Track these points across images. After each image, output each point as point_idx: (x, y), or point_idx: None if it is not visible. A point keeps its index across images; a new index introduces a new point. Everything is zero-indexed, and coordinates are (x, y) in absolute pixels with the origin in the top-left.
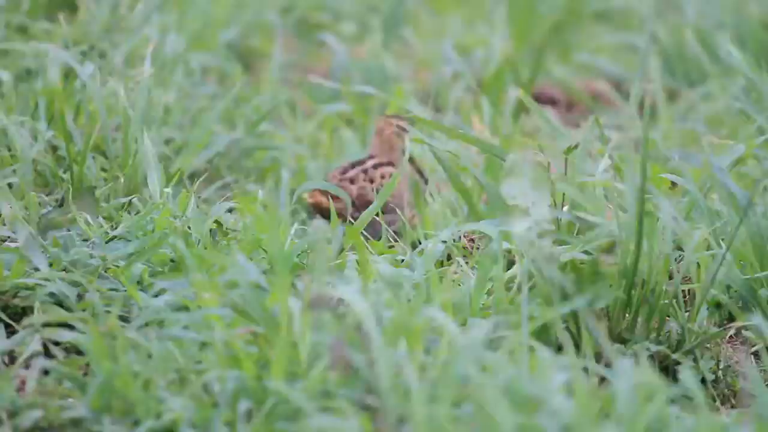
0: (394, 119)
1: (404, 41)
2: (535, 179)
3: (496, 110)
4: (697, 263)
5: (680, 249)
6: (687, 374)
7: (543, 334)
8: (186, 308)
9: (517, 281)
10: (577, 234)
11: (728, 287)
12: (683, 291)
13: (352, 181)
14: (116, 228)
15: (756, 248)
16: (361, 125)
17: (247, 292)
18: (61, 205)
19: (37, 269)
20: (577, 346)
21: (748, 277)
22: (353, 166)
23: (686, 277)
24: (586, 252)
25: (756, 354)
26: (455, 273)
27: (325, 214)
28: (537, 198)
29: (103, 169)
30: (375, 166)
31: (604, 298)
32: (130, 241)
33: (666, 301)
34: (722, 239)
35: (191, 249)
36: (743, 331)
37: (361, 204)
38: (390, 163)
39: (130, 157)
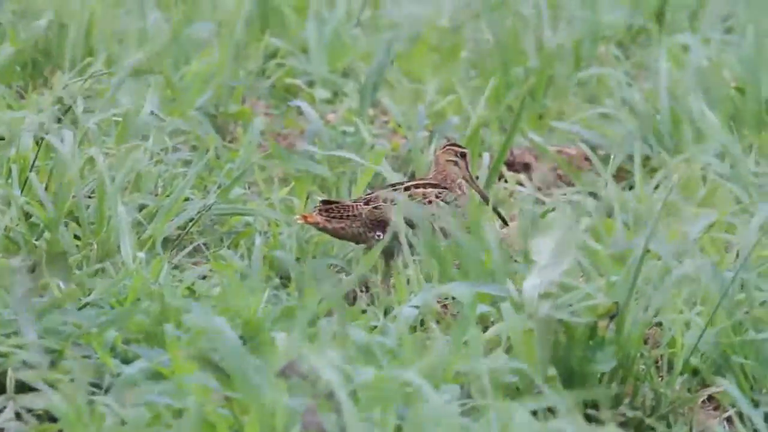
0: (452, 146)
1: (380, 106)
2: (563, 242)
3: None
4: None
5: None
6: None
7: (520, 397)
8: (160, 375)
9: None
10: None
11: (701, 353)
12: (657, 357)
13: (367, 202)
14: (89, 294)
15: (728, 315)
16: (334, 189)
17: (225, 357)
18: (33, 271)
19: (8, 335)
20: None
21: (719, 337)
22: (391, 186)
23: (658, 343)
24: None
25: (729, 419)
26: (428, 338)
27: (328, 232)
28: (557, 260)
29: (76, 236)
30: (416, 186)
31: (606, 363)
32: (102, 307)
33: (642, 367)
34: (694, 303)
35: (165, 316)
36: (717, 397)
37: (372, 221)
38: (434, 185)
39: (104, 224)
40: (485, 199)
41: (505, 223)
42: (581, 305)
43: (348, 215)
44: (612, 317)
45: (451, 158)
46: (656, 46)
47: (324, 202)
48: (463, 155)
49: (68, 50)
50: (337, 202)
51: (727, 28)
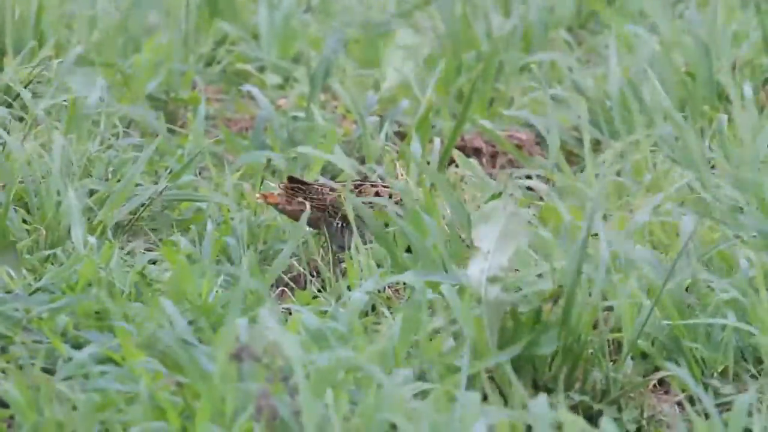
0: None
1: (330, 92)
2: (507, 228)
3: (421, 160)
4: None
5: (604, 298)
6: (609, 424)
7: (473, 382)
8: (111, 360)
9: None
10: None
11: (653, 338)
12: (607, 341)
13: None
14: (40, 280)
15: (675, 301)
16: (285, 175)
17: (173, 343)
18: None
19: None
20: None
21: (668, 322)
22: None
23: (607, 328)
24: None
25: (680, 404)
26: (379, 323)
27: (286, 214)
28: (502, 246)
29: (25, 222)
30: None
31: (548, 346)
32: (53, 293)
33: (591, 351)
34: (647, 290)
35: (116, 301)
36: (667, 381)
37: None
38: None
39: (52, 210)
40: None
41: None
42: (530, 290)
43: (312, 198)
44: (555, 301)
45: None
46: (607, 32)
47: (291, 180)
48: None
49: (14, 36)
50: (304, 183)
51: (679, 13)
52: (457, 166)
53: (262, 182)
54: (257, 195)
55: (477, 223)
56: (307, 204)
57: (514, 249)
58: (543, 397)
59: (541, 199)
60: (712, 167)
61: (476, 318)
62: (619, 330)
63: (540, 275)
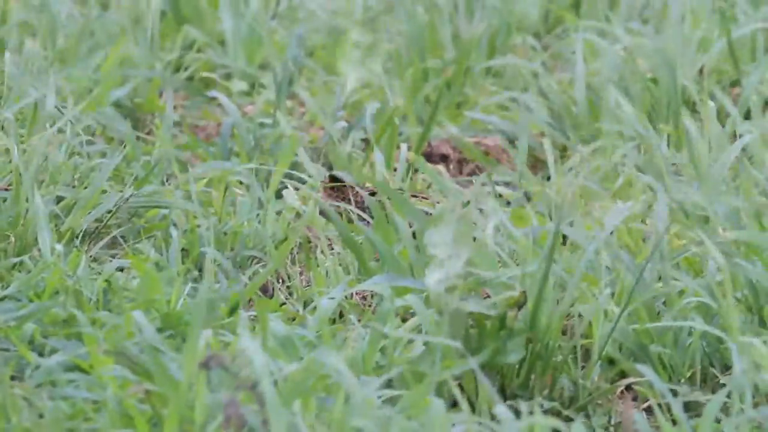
0: None
1: (297, 99)
2: (459, 232)
3: (388, 165)
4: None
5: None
6: (579, 429)
7: (440, 390)
8: (79, 368)
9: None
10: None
11: (620, 344)
12: (575, 347)
13: None
14: (7, 288)
15: (644, 306)
16: (252, 182)
17: (142, 351)
18: None
19: None
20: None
21: (635, 326)
22: None
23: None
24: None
25: (648, 409)
26: (348, 330)
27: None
28: (456, 252)
29: None
30: None
31: (515, 353)
32: (20, 300)
33: (559, 358)
34: (613, 294)
35: (83, 308)
36: (636, 387)
37: None
38: None
39: (21, 217)
40: None
41: None
42: (499, 297)
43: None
44: (520, 307)
45: None
46: (573, 37)
47: (332, 179)
48: None
49: None
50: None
51: (644, 19)
52: (424, 172)
53: (226, 190)
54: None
55: (429, 229)
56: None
57: (468, 254)
58: (503, 406)
59: (508, 204)
60: (678, 173)
61: (440, 326)
62: (588, 336)
63: (506, 281)
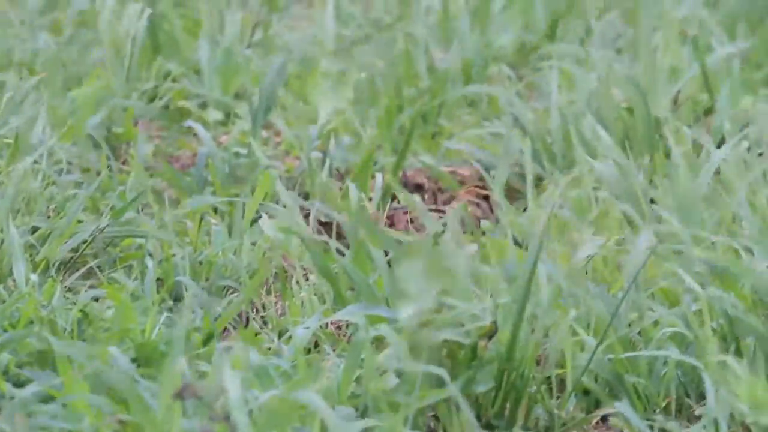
0: None
1: (273, 128)
2: (431, 266)
3: (364, 195)
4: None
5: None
6: None
7: (416, 420)
8: (53, 398)
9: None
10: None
11: (595, 374)
12: (550, 377)
13: None
14: None
15: (620, 336)
16: (228, 212)
17: (117, 380)
18: None
19: None
20: None
21: (611, 355)
22: None
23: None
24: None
25: None
26: (323, 360)
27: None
28: (428, 286)
29: None
30: None
31: (485, 383)
32: None
33: (534, 388)
34: (588, 324)
35: (58, 338)
36: (610, 418)
37: None
38: None
39: None
40: None
41: None
42: (470, 326)
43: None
44: (490, 337)
45: None
46: (548, 67)
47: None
48: None
49: None
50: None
51: (617, 49)
52: (399, 202)
53: (201, 220)
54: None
55: (399, 262)
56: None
57: (439, 288)
58: None
59: (484, 234)
60: (653, 203)
61: (414, 355)
62: (563, 366)
63: (479, 312)
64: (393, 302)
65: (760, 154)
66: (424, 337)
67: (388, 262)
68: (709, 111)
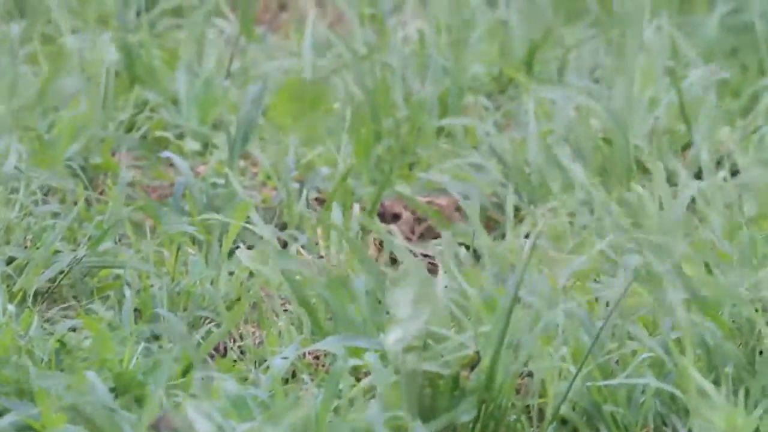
0: None
1: (250, 158)
2: (420, 293)
3: (340, 227)
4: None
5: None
6: None
7: None
8: (31, 428)
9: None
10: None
11: (574, 403)
12: (529, 406)
13: None
14: None
15: (599, 365)
16: (205, 243)
17: (95, 410)
18: None
19: None
20: None
21: (589, 383)
22: None
23: (530, 393)
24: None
25: None
26: (301, 390)
27: None
28: (416, 312)
29: None
30: None
31: (467, 414)
32: None
33: (514, 417)
34: (570, 353)
35: (36, 369)
36: None
37: None
38: None
39: None
40: None
41: None
42: (453, 356)
43: None
44: (473, 367)
45: None
46: (525, 97)
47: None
48: None
49: None
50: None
51: (594, 79)
52: (377, 232)
53: (178, 250)
54: None
55: (391, 288)
56: None
57: (428, 314)
58: None
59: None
60: (630, 235)
61: (395, 386)
62: (542, 395)
63: (462, 342)
64: (372, 330)
65: (737, 185)
66: (408, 363)
67: (366, 291)
68: (686, 142)
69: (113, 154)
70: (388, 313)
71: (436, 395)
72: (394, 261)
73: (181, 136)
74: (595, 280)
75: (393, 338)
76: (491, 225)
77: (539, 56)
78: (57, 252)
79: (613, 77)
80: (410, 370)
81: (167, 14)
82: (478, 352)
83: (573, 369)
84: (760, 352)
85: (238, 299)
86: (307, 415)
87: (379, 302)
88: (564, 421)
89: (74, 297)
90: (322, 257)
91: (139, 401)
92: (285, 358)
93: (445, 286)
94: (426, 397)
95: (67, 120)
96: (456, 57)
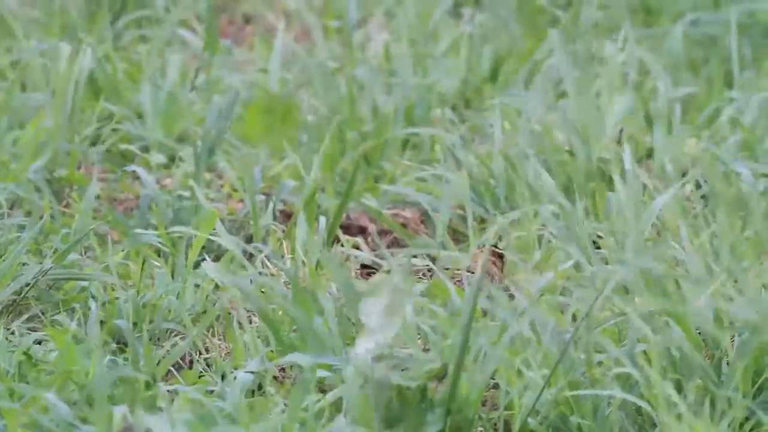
0: None
1: (216, 171)
2: (392, 304)
3: (307, 238)
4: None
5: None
6: None
7: None
8: None
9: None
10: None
11: (542, 416)
12: (496, 418)
13: None
14: None
15: (566, 378)
16: (170, 255)
17: (56, 426)
18: None
19: None
20: None
21: (554, 391)
22: None
23: (496, 405)
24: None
25: None
26: (267, 403)
27: None
28: (387, 322)
29: None
30: None
31: (434, 425)
32: None
33: (480, 430)
34: (531, 365)
35: (1, 381)
36: None
37: None
38: None
39: None
40: None
41: None
42: (418, 368)
43: None
44: (441, 379)
45: None
46: (490, 110)
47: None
48: None
49: None
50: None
51: (560, 92)
52: (342, 245)
53: (144, 263)
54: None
55: (364, 299)
56: None
57: (399, 325)
58: None
59: (429, 276)
60: (597, 246)
61: (363, 396)
62: (508, 407)
63: (427, 351)
64: (337, 344)
65: (702, 197)
66: (378, 370)
67: (336, 303)
68: (651, 153)
69: (79, 168)
70: (355, 325)
71: (403, 407)
72: (359, 274)
73: (146, 149)
74: (561, 293)
75: (363, 347)
76: (457, 237)
77: (505, 69)
78: (23, 264)
79: (579, 89)
80: (379, 379)
81: (131, 26)
82: (445, 365)
83: (540, 380)
84: (727, 363)
85: (204, 311)
86: (273, 428)
87: (348, 317)
88: None
89: (40, 310)
90: (288, 268)
91: (104, 414)
92: (253, 372)
93: (412, 299)
94: (393, 409)
95: (32, 132)
96: (422, 70)
